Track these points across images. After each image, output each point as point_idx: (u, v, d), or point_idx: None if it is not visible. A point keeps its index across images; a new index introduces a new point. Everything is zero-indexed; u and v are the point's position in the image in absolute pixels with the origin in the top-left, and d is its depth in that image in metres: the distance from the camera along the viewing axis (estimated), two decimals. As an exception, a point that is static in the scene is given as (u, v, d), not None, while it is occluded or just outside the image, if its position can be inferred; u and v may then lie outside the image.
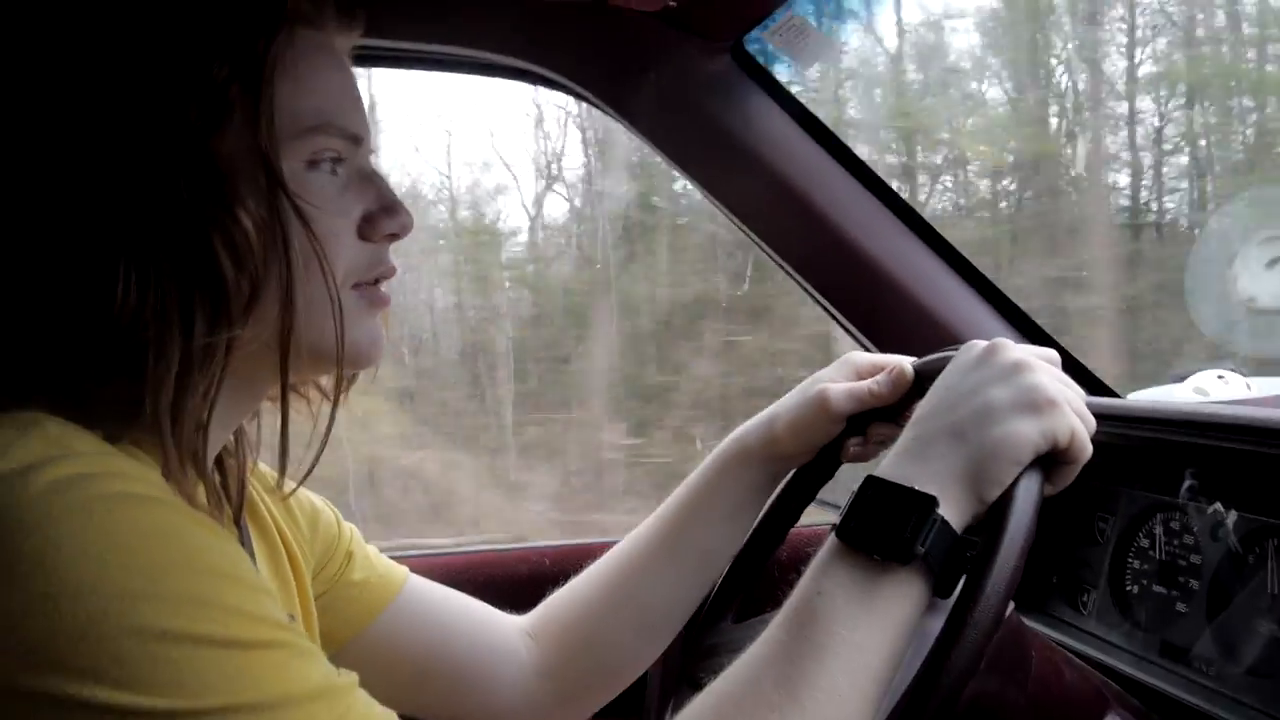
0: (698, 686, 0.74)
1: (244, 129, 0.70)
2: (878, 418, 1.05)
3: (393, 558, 1.12)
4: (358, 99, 0.80)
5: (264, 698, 0.59)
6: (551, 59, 1.35)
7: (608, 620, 1.09)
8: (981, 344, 0.86)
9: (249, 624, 0.61)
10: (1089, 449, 0.82)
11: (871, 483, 0.77)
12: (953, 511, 0.75)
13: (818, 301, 1.50)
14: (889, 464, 0.79)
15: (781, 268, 1.50)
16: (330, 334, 0.75)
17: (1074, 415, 0.80)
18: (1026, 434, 0.77)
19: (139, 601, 0.57)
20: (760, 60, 1.41)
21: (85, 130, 0.68)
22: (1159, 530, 1.17)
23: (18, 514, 0.57)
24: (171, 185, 0.67)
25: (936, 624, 0.74)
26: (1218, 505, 1.06)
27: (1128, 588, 1.19)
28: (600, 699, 1.12)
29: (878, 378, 1.03)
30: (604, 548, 1.14)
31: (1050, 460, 0.80)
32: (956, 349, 0.94)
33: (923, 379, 1.01)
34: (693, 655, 1.10)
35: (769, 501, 1.10)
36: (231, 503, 0.84)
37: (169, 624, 0.57)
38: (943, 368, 0.96)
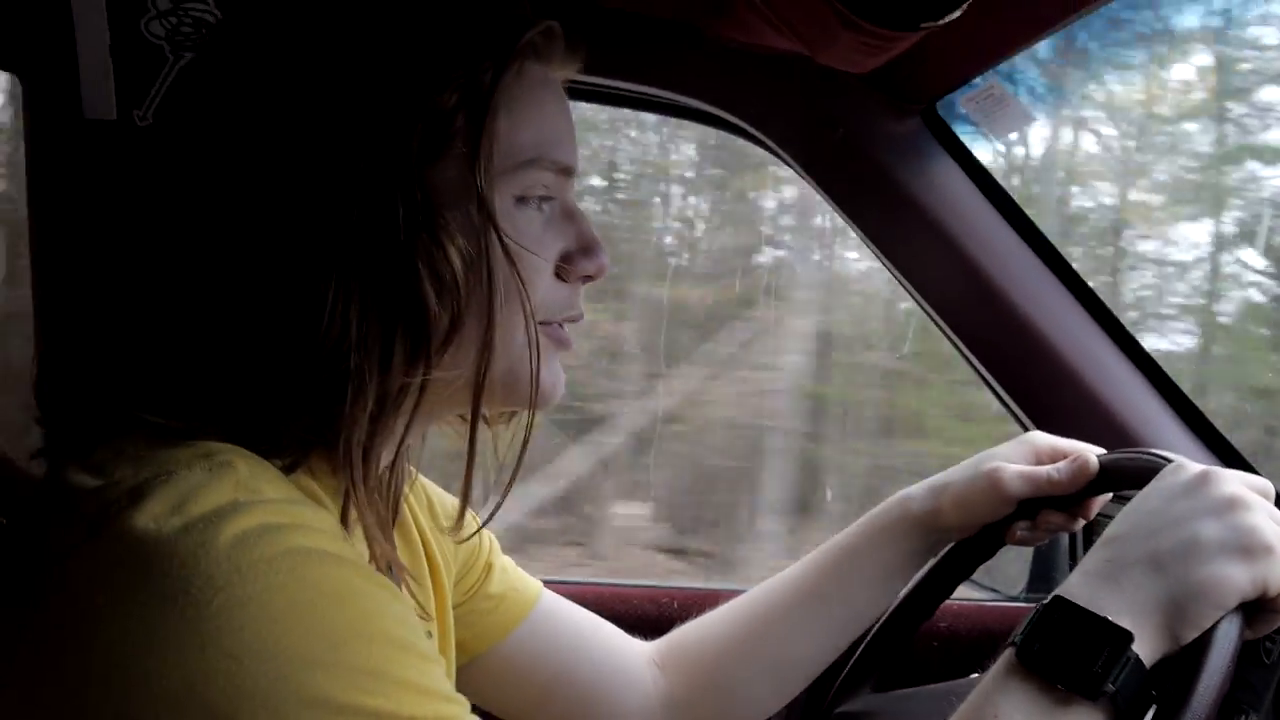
0: None
1: (462, 161, 0.69)
2: (1051, 505, 1.00)
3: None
4: (573, 133, 0.79)
5: None
6: (743, 107, 1.35)
7: (739, 664, 1.07)
8: (1192, 467, 0.81)
9: (418, 699, 0.60)
10: None
11: (1059, 604, 0.73)
12: (1144, 648, 0.71)
13: (981, 375, 1.46)
14: (1078, 585, 0.75)
15: (945, 335, 1.46)
16: (522, 373, 0.74)
17: None
18: (1236, 580, 0.72)
19: (317, 670, 0.57)
20: (951, 126, 1.39)
21: (307, 150, 0.67)
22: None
23: (207, 567, 0.56)
24: (386, 211, 0.66)
25: None
26: None
27: (1296, 719, 1.12)
28: None
29: (1059, 465, 0.98)
30: (732, 595, 1.12)
31: (1254, 607, 0.75)
32: (1152, 454, 0.90)
33: (1108, 474, 0.97)
34: (822, 716, 1.08)
35: (922, 572, 1.07)
36: (382, 518, 0.83)
37: (345, 697, 0.57)
38: (1133, 468, 0.91)
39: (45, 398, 0.72)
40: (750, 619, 1.08)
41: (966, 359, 1.47)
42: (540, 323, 0.76)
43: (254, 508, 0.60)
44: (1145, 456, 0.90)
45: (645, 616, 1.47)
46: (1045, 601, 0.74)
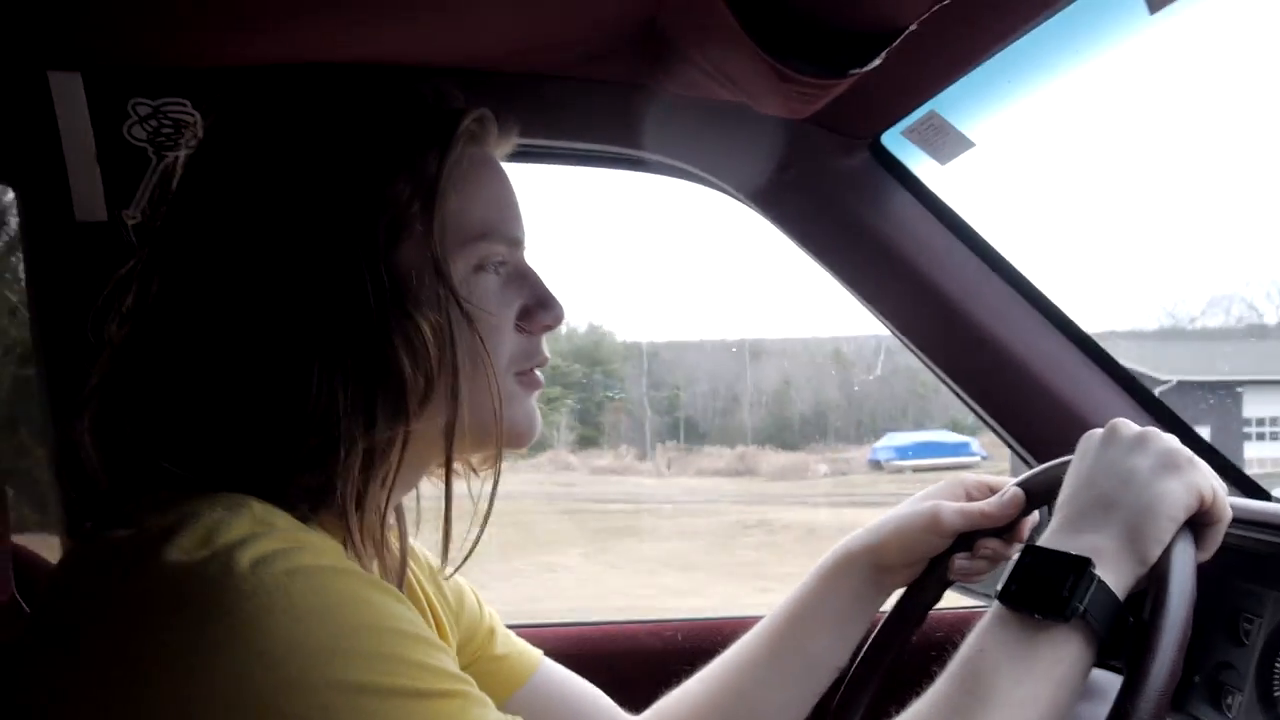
0: None
1: (421, 241, 0.78)
2: (986, 535, 1.08)
3: (530, 626, 1.17)
4: (516, 205, 0.89)
5: None
6: (699, 157, 1.41)
7: None
8: (1099, 430, 0.90)
9: (431, 676, 0.68)
10: (1229, 508, 0.87)
11: (1030, 550, 0.82)
12: (1112, 574, 0.79)
13: (960, 398, 1.51)
14: (1045, 539, 0.84)
15: (923, 362, 1.52)
16: (489, 420, 0.83)
17: (1211, 474, 0.86)
18: (1175, 491, 0.82)
19: (337, 658, 0.65)
20: (899, 157, 1.45)
21: (283, 246, 0.76)
22: (1308, 636, 1.15)
23: (235, 582, 0.65)
24: (358, 295, 0.75)
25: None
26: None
27: (1275, 692, 1.17)
28: None
29: (991, 500, 1.07)
30: (736, 624, 1.17)
31: (1195, 523, 0.84)
32: (1054, 463, 0.99)
33: (1030, 496, 1.05)
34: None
35: (883, 620, 1.12)
36: (389, 574, 0.92)
37: (365, 678, 0.65)
38: (1045, 479, 1.00)
39: (66, 476, 0.80)
40: (723, 680, 1.13)
41: (946, 384, 1.52)
42: (516, 373, 0.87)
43: (270, 536, 0.68)
44: (1050, 466, 0.98)
45: (651, 652, 1.51)
46: (1020, 553, 0.82)
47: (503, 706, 1.05)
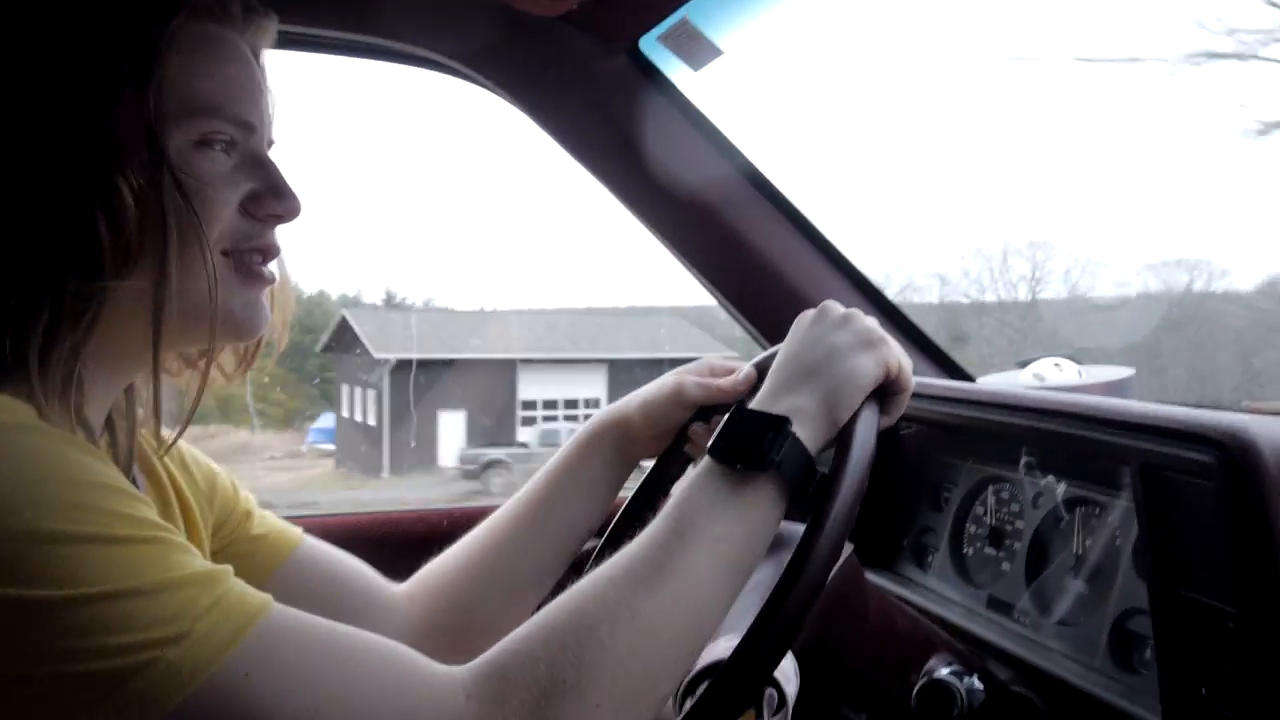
0: None
1: (134, 105, 0.78)
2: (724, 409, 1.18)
3: (299, 516, 1.19)
4: (254, 91, 0.87)
5: (146, 583, 0.66)
6: (460, 52, 1.43)
7: (474, 584, 1.17)
8: (812, 310, 1.00)
9: (126, 523, 0.68)
10: (912, 380, 0.98)
11: (739, 410, 0.90)
12: (807, 433, 0.88)
13: (706, 288, 1.62)
14: (756, 401, 0.92)
15: (676, 258, 1.61)
16: (203, 301, 0.82)
17: (899, 352, 0.96)
18: (866, 365, 0.92)
19: (26, 509, 0.64)
20: (656, 63, 1.52)
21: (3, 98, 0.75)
22: (991, 499, 1.31)
23: None
24: (60, 152, 0.75)
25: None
26: (1050, 478, 1.20)
27: (964, 550, 1.33)
28: (469, 657, 1.21)
29: (728, 377, 1.16)
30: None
31: (883, 392, 0.95)
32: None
33: (761, 374, 1.14)
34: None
35: (634, 489, 1.20)
36: (119, 458, 0.91)
37: (54, 526, 0.65)
38: (772, 357, 1.09)
39: None
40: (484, 543, 1.18)
41: (694, 276, 1.62)
42: (225, 251, 0.85)
43: None
44: (779, 348, 1.08)
45: (415, 536, 1.56)
46: (729, 412, 0.90)
47: (266, 583, 1.04)
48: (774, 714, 0.94)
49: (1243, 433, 0.88)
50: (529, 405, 12.44)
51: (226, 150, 0.85)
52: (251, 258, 0.88)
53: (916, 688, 1.09)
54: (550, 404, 12.58)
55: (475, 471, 11.05)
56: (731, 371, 1.17)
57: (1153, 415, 0.99)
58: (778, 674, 0.93)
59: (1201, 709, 0.92)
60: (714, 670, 0.91)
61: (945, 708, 1.08)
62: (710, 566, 0.82)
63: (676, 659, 0.80)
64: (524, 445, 11.79)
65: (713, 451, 0.87)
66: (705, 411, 1.16)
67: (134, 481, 0.94)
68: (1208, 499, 0.91)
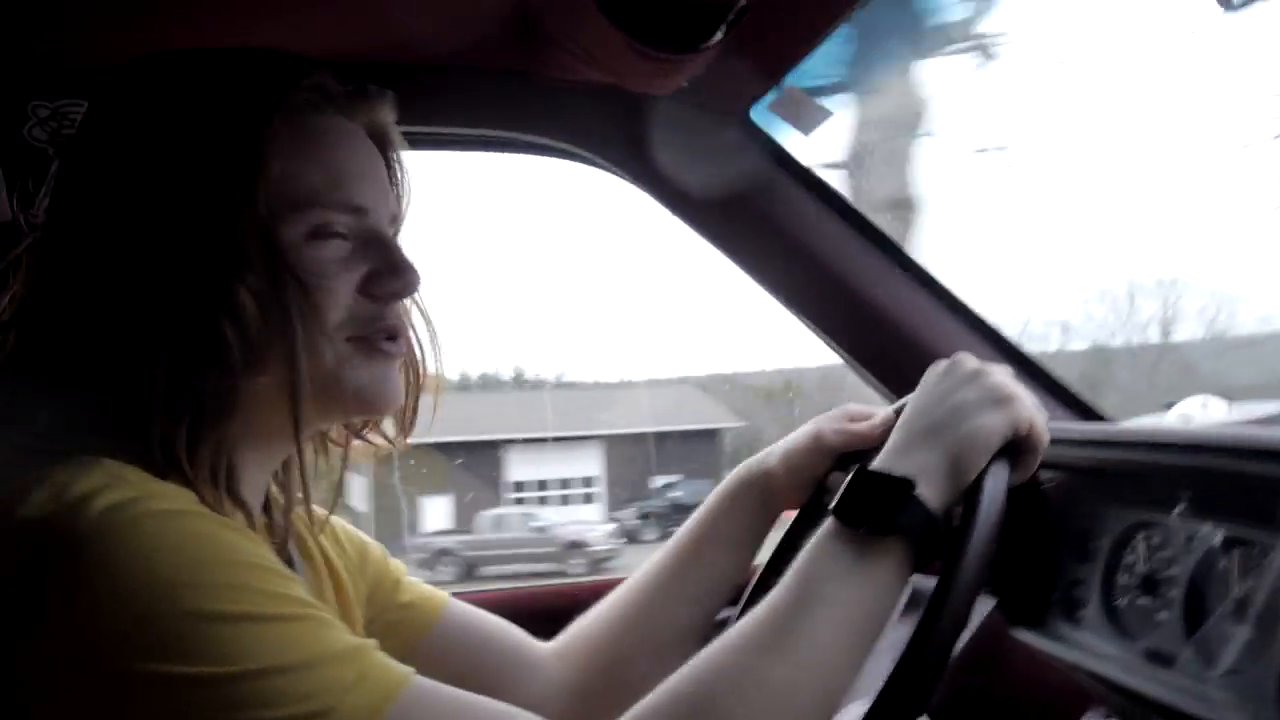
0: None
1: (245, 211, 0.81)
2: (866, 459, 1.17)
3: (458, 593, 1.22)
4: (361, 174, 0.89)
5: (297, 660, 0.69)
6: (576, 137, 1.50)
7: (621, 642, 1.17)
8: (944, 362, 0.98)
9: (277, 602, 0.72)
10: (1046, 437, 0.95)
11: (862, 473, 0.89)
12: (932, 495, 0.86)
13: (831, 347, 1.62)
14: (879, 462, 0.91)
15: (801, 321, 1.62)
16: (332, 382, 0.86)
17: (1031, 408, 0.93)
18: (994, 425, 0.90)
19: (185, 590, 0.68)
20: (768, 130, 1.55)
21: (123, 228, 0.81)
22: (1142, 546, 1.25)
23: (81, 533, 0.68)
24: (180, 264, 0.80)
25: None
26: (1207, 520, 1.14)
27: (1117, 601, 1.27)
28: (618, 713, 1.22)
29: (867, 422, 1.15)
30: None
31: (1014, 449, 0.92)
32: None
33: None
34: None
35: (779, 542, 1.19)
36: (276, 535, 0.95)
37: (212, 607, 0.68)
38: None
39: None
40: (628, 600, 1.19)
41: (819, 336, 1.62)
42: (351, 338, 0.88)
43: (120, 487, 0.72)
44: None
45: (556, 611, 1.58)
46: (853, 473, 0.90)
47: (418, 646, 1.11)
48: None
49: None
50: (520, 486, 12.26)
51: (340, 237, 0.87)
52: (376, 339, 0.90)
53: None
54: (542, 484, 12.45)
55: (429, 561, 11.21)
56: (869, 416, 1.16)
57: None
58: None
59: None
60: None
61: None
62: (835, 631, 0.81)
63: None
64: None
65: (836, 513, 0.87)
66: (845, 460, 1.15)
67: (289, 559, 0.99)
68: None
